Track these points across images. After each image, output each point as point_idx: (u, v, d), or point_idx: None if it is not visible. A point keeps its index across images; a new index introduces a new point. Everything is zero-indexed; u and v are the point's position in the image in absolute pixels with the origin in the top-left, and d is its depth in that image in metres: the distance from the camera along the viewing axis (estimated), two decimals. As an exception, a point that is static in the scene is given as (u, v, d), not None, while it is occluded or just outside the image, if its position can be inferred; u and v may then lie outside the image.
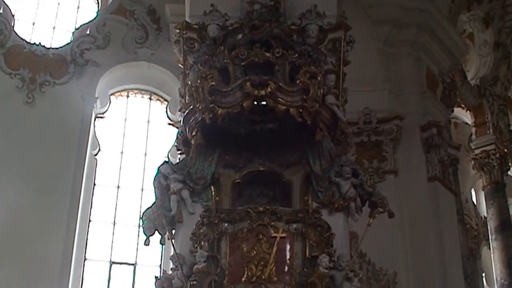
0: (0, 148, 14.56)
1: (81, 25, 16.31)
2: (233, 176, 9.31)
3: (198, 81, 8.75)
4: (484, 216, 21.93)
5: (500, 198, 20.50)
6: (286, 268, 8.42)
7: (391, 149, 14.82)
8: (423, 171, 14.98)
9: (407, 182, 14.66)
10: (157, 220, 9.07)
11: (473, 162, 21.01)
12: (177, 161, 10.06)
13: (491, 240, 20.46)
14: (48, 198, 14.34)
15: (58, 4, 16.75)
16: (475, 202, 23.25)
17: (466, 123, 21.24)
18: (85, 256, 14.75)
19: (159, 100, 16.81)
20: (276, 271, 8.28)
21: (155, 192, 9.26)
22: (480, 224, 22.32)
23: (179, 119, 10.64)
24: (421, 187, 14.77)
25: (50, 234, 14.10)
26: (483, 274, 22.00)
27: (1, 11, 15.69)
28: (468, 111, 20.62)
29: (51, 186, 14.47)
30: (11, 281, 13.46)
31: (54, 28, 16.50)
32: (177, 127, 13.51)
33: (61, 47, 15.88)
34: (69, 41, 15.98)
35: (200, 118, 8.85)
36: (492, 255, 20.53)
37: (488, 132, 20.82)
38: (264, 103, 8.68)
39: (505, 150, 20.97)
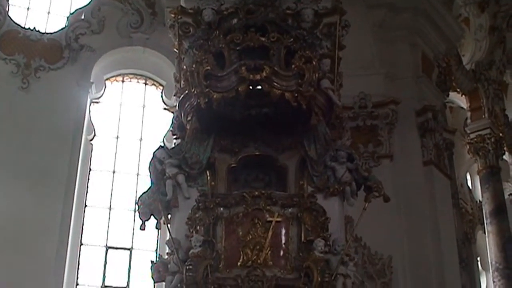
0: (-5, 133, 14.56)
1: (75, 10, 16.23)
2: (229, 160, 9.32)
3: (193, 65, 8.75)
4: (479, 200, 21.96)
5: (495, 182, 20.54)
6: (282, 252, 8.44)
7: (386, 133, 14.82)
8: (418, 155, 15.00)
9: (402, 167, 14.67)
10: (152, 205, 9.07)
11: (468, 147, 21.04)
12: (173, 146, 10.04)
13: (486, 224, 20.50)
14: (44, 183, 14.33)
15: (53, -12, 16.70)
16: (470, 187, 23.28)
17: (462, 108, 21.24)
18: (81, 241, 14.76)
19: (155, 85, 16.79)
20: (272, 255, 8.31)
21: (150, 177, 9.26)
22: (475, 208, 22.35)
23: (175, 104, 10.62)
24: (417, 171, 14.80)
25: (46, 220, 14.09)
26: (478, 258, 22.06)
27: (-5, -4, 15.65)
28: (463, 96, 20.61)
29: (47, 172, 14.45)
30: (7, 266, 13.47)
31: (48, 13, 16.44)
32: (173, 112, 13.45)
33: (56, 32, 15.83)
34: (64, 26, 15.92)
35: (195, 103, 8.85)
36: (487, 239, 20.58)
37: (483, 116, 20.82)
38: (259, 87, 8.67)
39: (500, 134, 21.00)
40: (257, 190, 8.71)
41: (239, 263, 8.29)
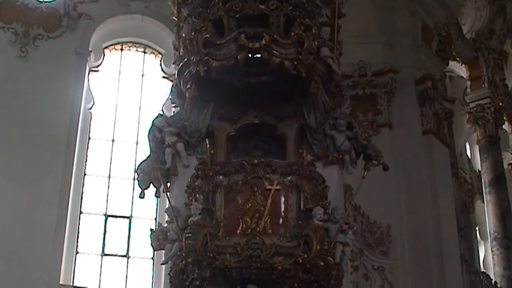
0: (-6, 102, 14.55)
1: (73, -22, 16.15)
2: (228, 128, 9.28)
3: (192, 33, 8.69)
4: (478, 170, 22.00)
5: (495, 151, 20.57)
6: (281, 221, 8.43)
7: (385, 102, 14.84)
8: (417, 124, 15.03)
9: (401, 135, 14.72)
10: (152, 173, 9.05)
11: (467, 116, 21.03)
12: (172, 114, 10.00)
13: (485, 193, 20.57)
14: (43, 152, 14.36)
15: (50, -44, 16.56)
16: (469, 156, 23.30)
17: (461, 77, 21.19)
18: (80, 210, 14.81)
19: (153, 53, 16.76)
20: (271, 223, 8.29)
21: (149, 146, 9.23)
22: (474, 178, 22.39)
23: (174, 72, 10.57)
24: (416, 140, 14.84)
25: (45, 188, 14.14)
26: (477, 228, 22.16)
27: (-8, -36, 15.56)
28: (463, 65, 20.57)
29: (45, 141, 14.47)
30: (6, 235, 13.52)
31: (46, -20, 16.35)
32: (172, 80, 13.40)
33: (54, 0, 15.74)
34: (62, -6, 15.85)
35: (194, 71, 8.80)
36: (485, 208, 20.65)
37: (483, 85, 20.79)
38: (258, 55, 8.61)
39: (500, 104, 20.99)
40: (256, 158, 8.67)
41: (238, 231, 8.28)
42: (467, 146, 23.36)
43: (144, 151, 10.13)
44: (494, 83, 20.99)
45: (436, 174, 14.90)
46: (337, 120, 9.16)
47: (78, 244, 14.65)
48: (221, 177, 8.68)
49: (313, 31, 8.69)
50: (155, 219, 14.94)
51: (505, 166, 21.62)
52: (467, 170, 22.25)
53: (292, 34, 8.63)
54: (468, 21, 20.68)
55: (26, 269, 13.47)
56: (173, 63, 10.25)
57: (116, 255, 14.86)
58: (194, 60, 8.64)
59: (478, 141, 21.03)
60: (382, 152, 9.24)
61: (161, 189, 9.16)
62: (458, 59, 19.76)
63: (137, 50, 16.74)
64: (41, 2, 15.65)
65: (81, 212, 14.84)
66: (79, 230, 14.72)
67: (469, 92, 20.95)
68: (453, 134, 17.59)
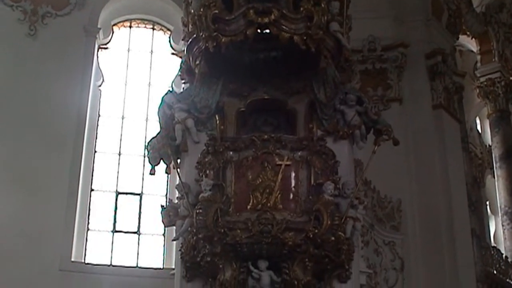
0: (4, 82, 14.54)
1: (82, -45, 16.09)
2: (238, 104, 9.27)
3: (201, 9, 8.65)
4: (489, 145, 21.97)
5: (505, 126, 20.53)
6: (291, 196, 8.43)
7: (395, 77, 14.80)
8: (427, 99, 15.00)
9: (411, 110, 14.70)
10: (162, 150, 9.06)
11: (478, 90, 20.98)
12: (181, 90, 9.99)
13: (496, 168, 20.56)
14: (53, 130, 14.40)
15: None
16: (479, 131, 23.24)
17: (471, 51, 21.11)
18: (91, 187, 14.85)
19: (162, 30, 16.73)
20: (282, 198, 8.29)
21: (159, 122, 9.21)
22: (485, 153, 22.36)
23: (183, 49, 10.57)
24: (426, 115, 14.82)
25: (55, 166, 14.19)
26: (487, 202, 22.14)
27: None
28: (473, 39, 20.48)
29: (56, 118, 14.50)
30: (18, 213, 13.58)
31: (55, -43, 16.30)
32: (181, 57, 13.42)
33: (62, -23, 15.71)
34: (70, -29, 15.80)
35: (203, 47, 8.76)
36: (496, 183, 20.65)
37: (493, 60, 20.72)
38: (267, 31, 8.58)
39: (510, 78, 20.89)
40: (266, 133, 8.65)
41: (249, 207, 8.28)
42: (478, 121, 23.30)
43: (154, 127, 10.14)
44: (505, 57, 20.90)
45: (447, 149, 14.87)
46: (347, 95, 9.12)
47: (89, 221, 14.71)
48: (231, 153, 8.68)
49: (322, 5, 8.65)
50: (166, 195, 14.97)
51: (516, 140, 21.54)
52: (478, 144, 22.21)
53: (301, 9, 8.60)
54: (478, -6, 20.58)
55: (37, 247, 13.54)
56: (182, 40, 10.24)
57: (127, 232, 14.93)
58: (203, 36, 8.61)
59: (489, 116, 21.00)
60: (392, 126, 9.21)
61: (171, 166, 9.17)
62: (468, 33, 19.66)
63: (146, 27, 16.71)
64: (49, -21, 15.61)
65: (92, 190, 14.88)
66: (90, 207, 14.77)
67: (479, 66, 20.89)
68: (463, 109, 17.52)
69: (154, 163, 9.17)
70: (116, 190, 15.10)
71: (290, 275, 8.21)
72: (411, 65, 14.96)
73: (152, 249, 14.91)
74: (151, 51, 16.55)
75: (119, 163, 15.33)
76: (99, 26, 15.61)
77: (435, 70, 15.07)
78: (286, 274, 8.23)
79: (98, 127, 15.38)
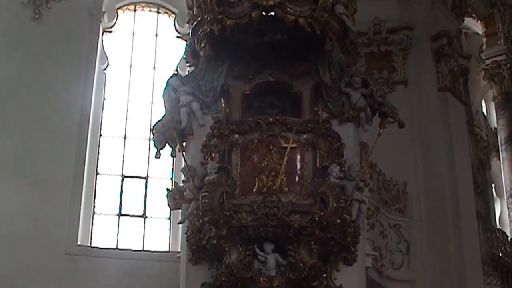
0: (8, 66, 14.53)
1: None
2: (243, 87, 9.28)
3: (206, -8, 8.65)
4: (494, 127, 21.92)
5: (510, 108, 20.48)
6: (297, 178, 8.45)
7: (401, 59, 14.77)
8: (433, 81, 14.97)
9: (417, 92, 14.68)
10: (167, 133, 9.06)
11: (483, 73, 20.90)
12: (186, 73, 9.98)
13: (501, 150, 20.52)
14: (58, 114, 14.38)
15: None
16: (485, 113, 23.20)
17: (477, 33, 21.02)
18: (97, 171, 14.86)
19: (167, 13, 16.69)
20: (287, 181, 8.31)
21: (164, 105, 9.22)
22: (490, 135, 22.32)
23: (188, 32, 10.53)
24: (431, 97, 14.80)
25: (61, 150, 14.18)
26: (493, 185, 22.14)
27: None
28: (479, 21, 20.39)
29: (60, 102, 14.49)
30: (24, 199, 13.60)
31: None
32: (186, 40, 13.43)
33: (66, -40, 15.65)
34: (73, -46, 15.73)
35: (208, 30, 8.75)
36: (501, 165, 20.62)
37: (499, 42, 20.63)
38: (272, 13, 8.57)
39: (516, 60, 20.82)
40: (272, 116, 8.65)
41: (254, 190, 8.30)
42: (483, 103, 23.25)
43: (159, 111, 10.12)
44: (510, 40, 20.80)
45: (452, 131, 14.86)
46: (352, 77, 9.11)
47: (95, 205, 14.73)
48: (236, 135, 8.69)
49: (328, -13, 8.62)
50: (171, 179, 14.98)
51: (522, 123, 21.49)
52: (483, 127, 22.18)
53: (306, -9, 8.57)
54: (484, -24, 20.48)
55: (44, 231, 13.56)
56: (187, 23, 10.22)
57: (133, 215, 14.94)
58: (208, 18, 8.60)
59: (494, 98, 20.93)
60: (398, 109, 9.20)
61: (176, 149, 9.17)
62: (473, 15, 19.58)
63: (150, 10, 16.67)
64: (54, -38, 15.54)
65: (97, 173, 14.90)
66: (96, 191, 14.79)
67: (485, 49, 20.80)
68: (469, 91, 17.50)
69: (159, 147, 9.18)
70: (122, 174, 15.11)
71: (296, 257, 8.25)
72: (416, 48, 14.92)
73: (158, 232, 14.93)
74: (156, 34, 16.52)
75: (124, 147, 15.33)
76: (103, 9, 15.57)
77: (441, 52, 15.03)
78: (292, 256, 8.27)
79: (103, 110, 15.37)
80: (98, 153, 15.03)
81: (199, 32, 9.06)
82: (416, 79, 14.85)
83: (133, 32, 16.41)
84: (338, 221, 8.28)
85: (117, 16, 16.17)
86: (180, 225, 9.41)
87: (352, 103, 9.03)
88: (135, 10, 16.59)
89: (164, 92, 9.23)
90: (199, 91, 9.09)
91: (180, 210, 9.02)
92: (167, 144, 9.20)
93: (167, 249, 14.61)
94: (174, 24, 16.44)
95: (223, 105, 9.15)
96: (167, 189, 9.15)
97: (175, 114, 9.02)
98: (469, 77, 17.56)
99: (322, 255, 8.47)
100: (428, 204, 14.09)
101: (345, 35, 9.21)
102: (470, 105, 17.63)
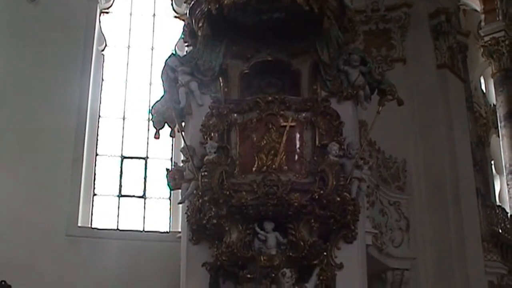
0: (5, 47, 14.50)
1: None
2: (241, 66, 9.26)
3: (203, -29, 8.62)
4: (493, 104, 21.91)
5: (509, 85, 20.46)
6: (296, 157, 8.45)
7: (399, 37, 14.73)
8: (432, 58, 14.95)
9: (416, 70, 14.66)
10: (166, 113, 9.06)
11: (482, 50, 20.87)
12: (184, 53, 9.97)
13: (500, 127, 20.52)
14: (56, 94, 14.38)
15: None
16: (484, 90, 23.15)
17: (475, 10, 20.94)
18: (96, 151, 14.86)
19: (165, -7, 16.65)
20: (286, 160, 8.31)
21: (163, 86, 9.21)
22: (489, 112, 22.29)
23: (185, 12, 10.53)
24: (430, 74, 14.78)
25: (61, 131, 14.19)
26: (492, 161, 22.14)
27: None
28: (477, -2, 20.35)
29: (59, 83, 14.49)
30: (24, 179, 13.63)
31: None
32: (183, 20, 13.40)
33: None
34: None
35: (206, 9, 8.74)
36: (501, 142, 20.63)
37: (497, 19, 20.57)
38: (270, -8, 8.55)
39: (515, 37, 20.77)
40: (271, 95, 8.65)
41: (254, 169, 8.30)
42: (482, 80, 23.19)
43: (158, 91, 10.12)
44: (509, 16, 20.72)
45: (451, 109, 14.86)
46: (350, 55, 9.08)
47: (95, 186, 14.75)
48: (235, 115, 8.69)
49: (325, -35, 8.59)
50: (171, 159, 14.98)
51: (520, 99, 21.47)
52: (482, 104, 22.13)
53: (304, -31, 8.53)
54: (482, -49, 20.40)
55: (44, 212, 13.59)
56: (185, 2, 10.23)
57: (133, 196, 14.97)
58: (206, -2, 8.58)
59: (493, 75, 20.91)
60: (397, 87, 9.19)
61: (176, 129, 9.18)
62: (472, -9, 19.55)
63: (147, -10, 16.62)
64: None
65: (97, 154, 14.90)
66: (96, 172, 14.79)
67: (483, 26, 20.75)
68: (467, 68, 17.47)
69: (158, 127, 9.18)
70: (121, 155, 15.12)
71: (296, 236, 8.26)
72: (414, 25, 14.89)
73: (158, 212, 14.97)
74: (154, 14, 16.48)
75: (123, 128, 15.32)
76: (101, -10, 15.57)
77: (439, 29, 14.99)
78: (292, 235, 8.27)
79: (102, 91, 15.35)
80: (98, 135, 15.03)
81: (197, 12, 9.05)
82: (414, 56, 14.83)
83: (131, 13, 16.37)
84: (338, 199, 8.29)
85: (115, -4, 16.15)
86: (180, 205, 9.43)
87: (351, 81, 9.01)
88: (132, -10, 16.55)
89: (162, 72, 9.21)
90: (198, 71, 9.08)
91: (180, 190, 9.03)
92: (166, 124, 9.20)
93: (168, 230, 14.66)
94: (172, 4, 16.38)
95: (221, 84, 9.14)
96: (167, 169, 9.14)
97: (174, 94, 9.02)
98: (467, 54, 17.52)
99: (322, 233, 8.49)
100: (427, 182, 14.11)
101: (343, 13, 9.20)
102: (469, 82, 17.60)
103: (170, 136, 9.55)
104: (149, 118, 12.18)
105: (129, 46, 16.07)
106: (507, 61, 20.52)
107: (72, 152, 14.22)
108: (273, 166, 8.22)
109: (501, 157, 20.94)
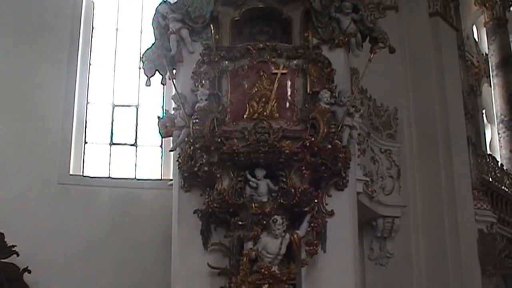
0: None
1: None
2: (232, 13, 9.20)
3: None
4: (485, 53, 21.87)
5: (502, 34, 20.42)
6: (288, 104, 8.46)
7: (391, -16, 14.65)
8: (424, 6, 14.91)
9: (408, 18, 14.62)
10: (157, 61, 9.05)
11: (475, -2, 20.77)
12: (175, 0, 9.88)
13: (492, 76, 20.53)
14: (47, 43, 14.27)
15: None
16: (476, 39, 23.09)
17: (468, -43, 20.82)
18: (87, 100, 14.79)
19: None
20: (278, 107, 8.33)
21: (154, 33, 9.19)
22: (481, 61, 22.27)
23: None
24: (422, 22, 14.74)
25: (51, 80, 14.11)
26: (483, 111, 22.18)
27: None
28: None
29: (49, 32, 14.36)
30: (16, 128, 13.60)
31: None
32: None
33: None
34: None
35: (196, -45, 8.68)
36: (492, 91, 20.65)
37: (491, -34, 20.45)
38: None
39: (508, -15, 20.67)
40: (262, 42, 8.64)
41: (245, 116, 8.33)
42: (474, 29, 23.11)
43: (149, 39, 10.06)
44: (502, -36, 20.63)
45: (443, 57, 14.84)
46: (342, 2, 9.06)
47: (86, 134, 14.70)
48: (226, 62, 8.69)
49: None
50: (162, 106, 14.91)
51: (513, 48, 21.43)
52: (474, 53, 22.10)
53: None
54: None
55: (36, 161, 13.58)
56: None
57: (125, 144, 14.94)
58: None
59: (486, 24, 20.84)
60: (388, 34, 9.19)
61: (167, 76, 9.18)
62: None
63: None
64: None
65: (88, 103, 14.83)
66: (87, 121, 14.74)
67: (476, -27, 20.63)
68: (460, 17, 17.36)
69: (149, 75, 9.18)
70: (113, 103, 15.06)
71: (287, 183, 8.30)
72: (406, -28, 14.82)
73: (150, 160, 14.96)
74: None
75: (114, 76, 15.23)
76: None
77: (431, -24, 14.94)
78: (283, 182, 8.32)
79: (92, 39, 15.22)
80: (88, 83, 14.93)
81: (188, -42, 8.97)
82: (407, 4, 14.76)
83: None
84: (329, 146, 8.32)
85: None
86: (172, 153, 9.44)
87: (343, 29, 9.01)
88: None
89: (153, 19, 9.19)
90: (188, 18, 9.04)
91: (171, 138, 9.04)
92: (157, 72, 9.19)
93: (159, 177, 14.65)
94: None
95: (212, 32, 9.10)
96: (158, 117, 9.15)
97: (165, 42, 9.02)
98: (460, 2, 17.41)
99: (313, 181, 8.54)
100: (419, 130, 14.15)
101: (334, -41, 9.13)
102: (461, 30, 17.52)
103: (161, 83, 9.55)
104: (140, 66, 12.15)
105: (120, -7, 15.91)
106: (499, 10, 20.45)
107: (63, 100, 14.16)
108: (265, 113, 8.25)
109: (492, 106, 20.99)
